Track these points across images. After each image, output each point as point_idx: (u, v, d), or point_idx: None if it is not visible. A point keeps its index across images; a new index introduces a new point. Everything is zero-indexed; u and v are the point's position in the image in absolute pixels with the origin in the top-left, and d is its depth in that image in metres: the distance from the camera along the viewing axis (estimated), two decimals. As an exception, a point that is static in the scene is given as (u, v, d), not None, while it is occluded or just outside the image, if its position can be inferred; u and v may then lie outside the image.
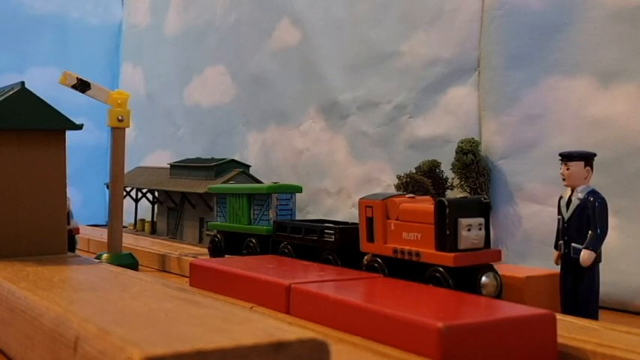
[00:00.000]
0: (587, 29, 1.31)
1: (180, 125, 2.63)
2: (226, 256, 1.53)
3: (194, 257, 1.49)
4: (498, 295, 1.05)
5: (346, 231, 1.26)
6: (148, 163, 2.62)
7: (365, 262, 1.18)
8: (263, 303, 1.04)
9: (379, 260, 1.14)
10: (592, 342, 0.80)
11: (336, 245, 1.26)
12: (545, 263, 1.18)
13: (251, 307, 1.04)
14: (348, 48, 1.84)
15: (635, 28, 1.25)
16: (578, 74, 1.33)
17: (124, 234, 1.60)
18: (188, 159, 2.19)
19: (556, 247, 1.07)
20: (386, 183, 1.72)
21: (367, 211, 1.17)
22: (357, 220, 1.22)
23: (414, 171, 1.52)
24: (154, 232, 2.22)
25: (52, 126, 1.25)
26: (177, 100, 2.64)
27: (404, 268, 1.09)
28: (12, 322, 0.87)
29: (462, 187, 1.47)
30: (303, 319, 0.95)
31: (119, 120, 1.57)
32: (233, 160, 2.03)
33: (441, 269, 1.03)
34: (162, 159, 2.53)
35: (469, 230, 1.03)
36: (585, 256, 1.01)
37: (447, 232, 1.03)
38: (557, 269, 1.08)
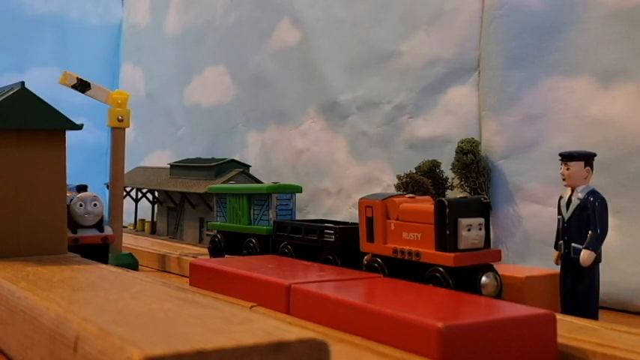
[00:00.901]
0: (588, 29, 1.31)
1: (180, 125, 2.63)
2: (226, 256, 1.53)
3: (194, 257, 1.49)
4: (498, 295, 1.05)
5: (346, 231, 1.26)
6: (148, 163, 2.62)
7: (365, 262, 1.18)
8: (263, 303, 1.04)
9: (379, 260, 1.14)
10: (592, 342, 0.80)
11: (336, 245, 1.26)
12: (545, 263, 1.18)
13: (251, 307, 1.04)
14: (348, 48, 1.84)
15: (635, 28, 1.25)
16: (578, 74, 1.33)
17: (124, 234, 1.60)
18: (188, 159, 2.19)
19: (556, 247, 1.07)
20: (386, 183, 1.72)
21: (367, 211, 1.17)
22: (357, 220, 1.22)
23: (414, 171, 1.52)
24: (154, 232, 2.22)
25: (52, 126, 1.24)
26: (177, 100, 2.64)
27: (404, 268, 1.09)
28: (12, 322, 0.87)
29: (462, 187, 1.47)
30: (303, 319, 0.95)
31: (119, 120, 1.57)
32: (233, 160, 2.03)
33: (441, 269, 1.03)
34: (162, 159, 2.53)
35: (469, 230, 1.03)
36: (585, 256, 1.01)
37: (447, 232, 1.03)
38: (557, 269, 1.08)
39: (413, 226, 1.09)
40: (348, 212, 1.81)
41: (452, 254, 1.02)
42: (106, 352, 0.60)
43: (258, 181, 1.92)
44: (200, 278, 1.25)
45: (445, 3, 1.59)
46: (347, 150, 1.86)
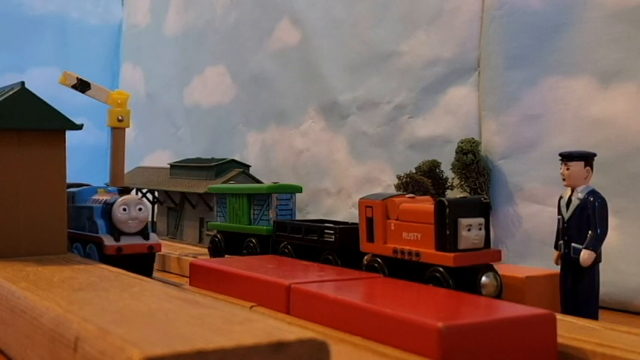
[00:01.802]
0: (587, 29, 1.31)
1: (180, 125, 2.63)
2: (226, 256, 1.53)
3: (194, 257, 1.49)
4: (498, 295, 1.05)
5: (346, 231, 1.26)
6: (148, 163, 2.61)
7: (365, 262, 1.18)
8: (263, 303, 1.04)
9: (379, 260, 1.14)
10: (592, 342, 0.80)
11: (336, 245, 1.26)
12: (545, 263, 1.18)
13: (251, 307, 1.04)
14: (348, 48, 1.84)
15: (635, 28, 1.25)
16: (578, 74, 1.33)
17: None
18: (188, 159, 2.19)
19: (556, 247, 1.07)
20: (386, 183, 1.72)
21: (367, 211, 1.17)
22: (357, 220, 1.22)
23: (414, 171, 1.52)
24: (153, 232, 2.21)
25: (52, 126, 1.25)
26: (177, 100, 2.64)
27: (404, 268, 1.09)
28: (12, 322, 0.87)
29: (462, 187, 1.47)
30: (303, 319, 0.95)
31: (119, 120, 1.57)
32: (233, 160, 2.03)
33: (441, 269, 1.03)
34: (162, 159, 2.52)
35: (469, 230, 1.03)
36: (585, 256, 1.01)
37: (447, 232, 1.03)
38: (557, 269, 1.08)
39: (413, 226, 1.09)
40: (348, 212, 1.81)
41: (452, 254, 1.02)
42: (106, 352, 0.60)
43: (258, 181, 1.92)
44: (200, 278, 1.25)
45: (445, 3, 1.59)
46: (347, 150, 1.86)
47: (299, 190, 1.53)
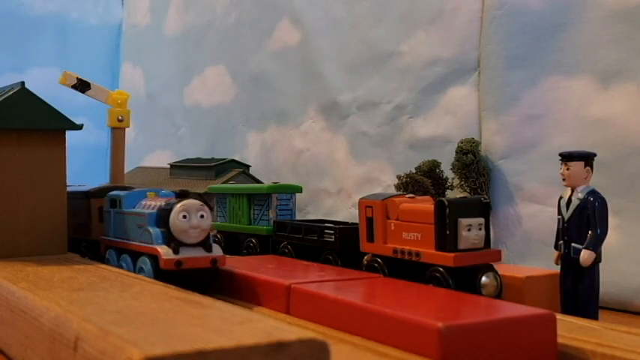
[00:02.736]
0: (587, 29, 1.31)
1: (180, 125, 2.63)
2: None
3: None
4: (498, 295, 1.04)
5: (346, 231, 1.26)
6: (148, 163, 2.61)
7: (365, 262, 1.18)
8: (263, 303, 1.04)
9: (379, 260, 1.14)
10: (592, 342, 0.80)
11: (336, 245, 1.26)
12: (545, 263, 1.18)
13: (251, 307, 1.04)
14: (348, 48, 1.84)
15: (635, 28, 1.25)
16: (578, 74, 1.33)
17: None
18: (188, 159, 2.19)
19: (556, 247, 1.07)
20: (386, 183, 1.72)
21: (367, 211, 1.17)
22: (357, 220, 1.21)
23: (414, 171, 1.52)
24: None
25: (51, 126, 1.25)
26: (177, 100, 2.64)
27: (404, 268, 1.09)
28: (12, 322, 0.87)
29: (462, 187, 1.47)
30: (303, 319, 0.94)
31: (119, 120, 1.57)
32: (233, 160, 2.03)
33: (441, 269, 1.03)
34: (162, 159, 2.53)
35: (469, 230, 1.03)
36: (585, 256, 1.01)
37: (447, 232, 1.03)
38: (557, 269, 1.08)
39: (413, 226, 1.09)
40: (348, 212, 1.81)
41: (452, 254, 1.02)
42: (106, 352, 0.60)
43: (258, 181, 1.92)
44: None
45: (445, 3, 1.59)
46: (347, 150, 1.86)
47: (299, 190, 1.52)
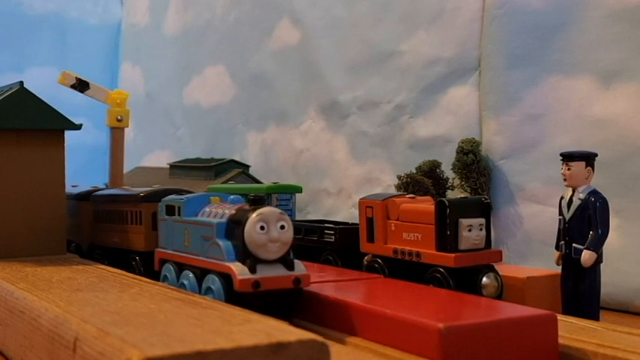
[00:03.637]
0: (588, 29, 1.31)
1: (180, 125, 2.63)
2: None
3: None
4: (499, 295, 1.04)
5: (346, 231, 1.25)
6: (148, 163, 2.61)
7: (365, 262, 1.17)
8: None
9: (379, 261, 1.14)
10: (593, 343, 0.80)
11: (337, 245, 1.25)
12: (546, 264, 1.18)
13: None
14: (348, 48, 1.84)
15: (635, 28, 1.25)
16: (579, 74, 1.33)
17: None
18: (188, 159, 2.19)
19: (557, 247, 1.07)
20: (386, 183, 1.72)
21: (367, 211, 1.16)
22: (357, 221, 1.21)
23: (414, 171, 1.52)
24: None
25: (51, 126, 1.24)
26: (176, 100, 2.63)
27: (404, 269, 1.09)
28: (11, 322, 0.87)
29: (462, 188, 1.47)
30: (303, 319, 0.94)
31: (118, 120, 1.57)
32: (233, 160, 2.03)
33: (441, 270, 1.02)
34: (161, 159, 2.52)
35: (470, 231, 1.03)
36: (586, 256, 1.01)
37: (448, 233, 1.02)
38: (558, 270, 1.08)
39: (413, 226, 1.08)
40: (348, 212, 1.81)
41: (452, 255, 1.01)
42: (105, 353, 0.60)
43: (258, 181, 1.92)
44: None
45: (445, 3, 1.59)
46: (347, 150, 1.86)
47: (299, 190, 1.52)
